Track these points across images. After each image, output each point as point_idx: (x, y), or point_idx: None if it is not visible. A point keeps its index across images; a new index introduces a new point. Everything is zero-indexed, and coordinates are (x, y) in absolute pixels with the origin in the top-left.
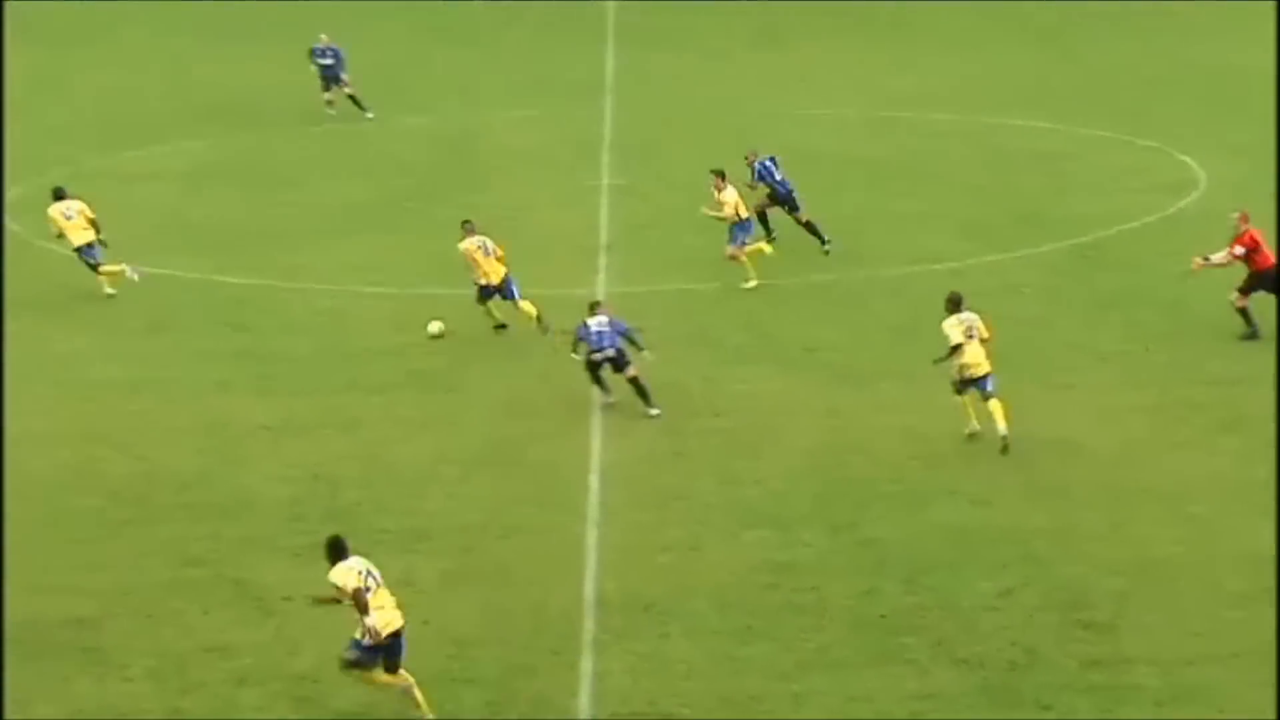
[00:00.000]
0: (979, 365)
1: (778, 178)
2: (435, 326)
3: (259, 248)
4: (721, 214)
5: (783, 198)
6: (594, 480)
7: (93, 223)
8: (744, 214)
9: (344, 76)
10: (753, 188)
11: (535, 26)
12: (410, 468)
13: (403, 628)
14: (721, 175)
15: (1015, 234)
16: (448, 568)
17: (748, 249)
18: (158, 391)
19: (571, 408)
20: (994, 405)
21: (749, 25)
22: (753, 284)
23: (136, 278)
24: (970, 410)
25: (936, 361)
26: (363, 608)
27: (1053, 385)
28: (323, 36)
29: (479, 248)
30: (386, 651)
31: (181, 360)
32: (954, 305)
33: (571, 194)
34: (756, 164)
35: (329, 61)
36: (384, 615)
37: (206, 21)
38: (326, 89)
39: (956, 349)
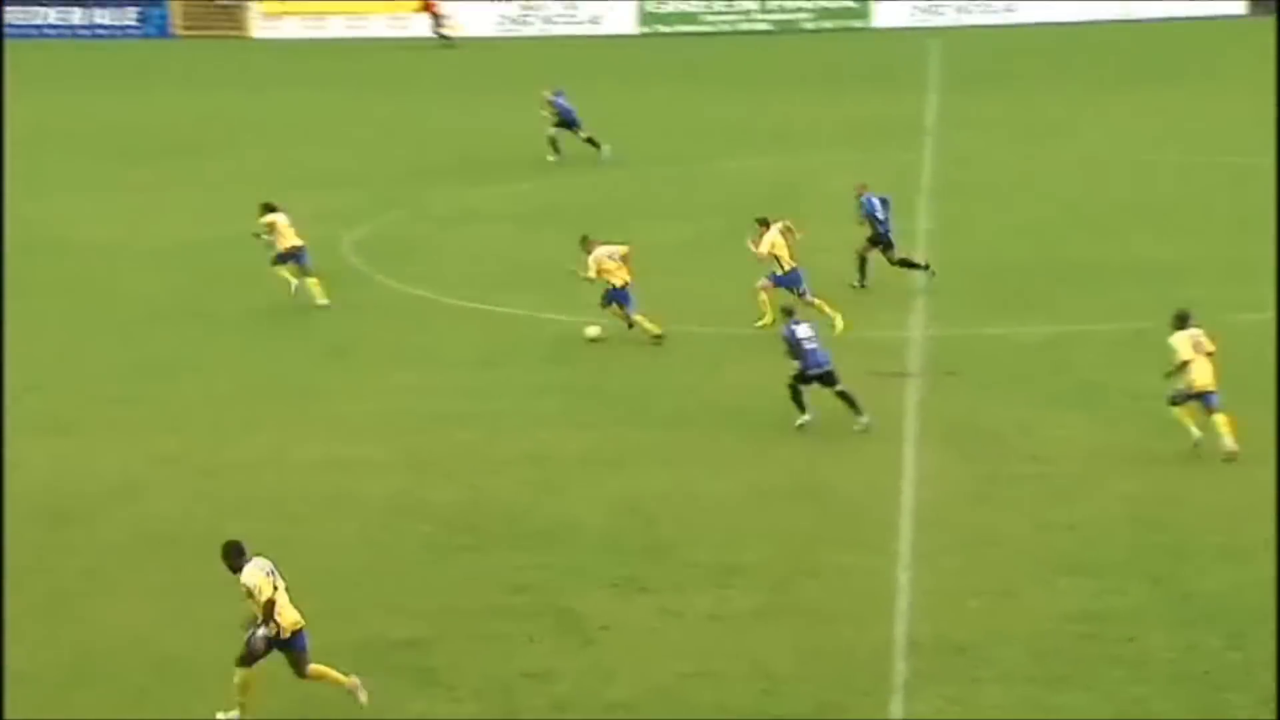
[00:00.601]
0: (1206, 380)
1: (880, 216)
2: (593, 330)
3: (583, 286)
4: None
5: (880, 238)
6: (904, 520)
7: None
8: (787, 264)
9: (579, 121)
10: (860, 222)
11: (855, 72)
12: (722, 502)
13: (303, 627)
14: (765, 223)
15: None
16: (759, 603)
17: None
18: (485, 423)
19: (881, 442)
20: (1219, 420)
21: (1078, 71)
22: (766, 321)
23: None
24: (1189, 420)
25: (1166, 375)
26: (267, 617)
27: None
28: (552, 89)
29: (608, 256)
30: (289, 647)
31: (509, 393)
32: (1181, 322)
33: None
34: (864, 198)
35: (566, 107)
36: (289, 614)
37: (539, 66)
38: (555, 132)
39: (1185, 365)
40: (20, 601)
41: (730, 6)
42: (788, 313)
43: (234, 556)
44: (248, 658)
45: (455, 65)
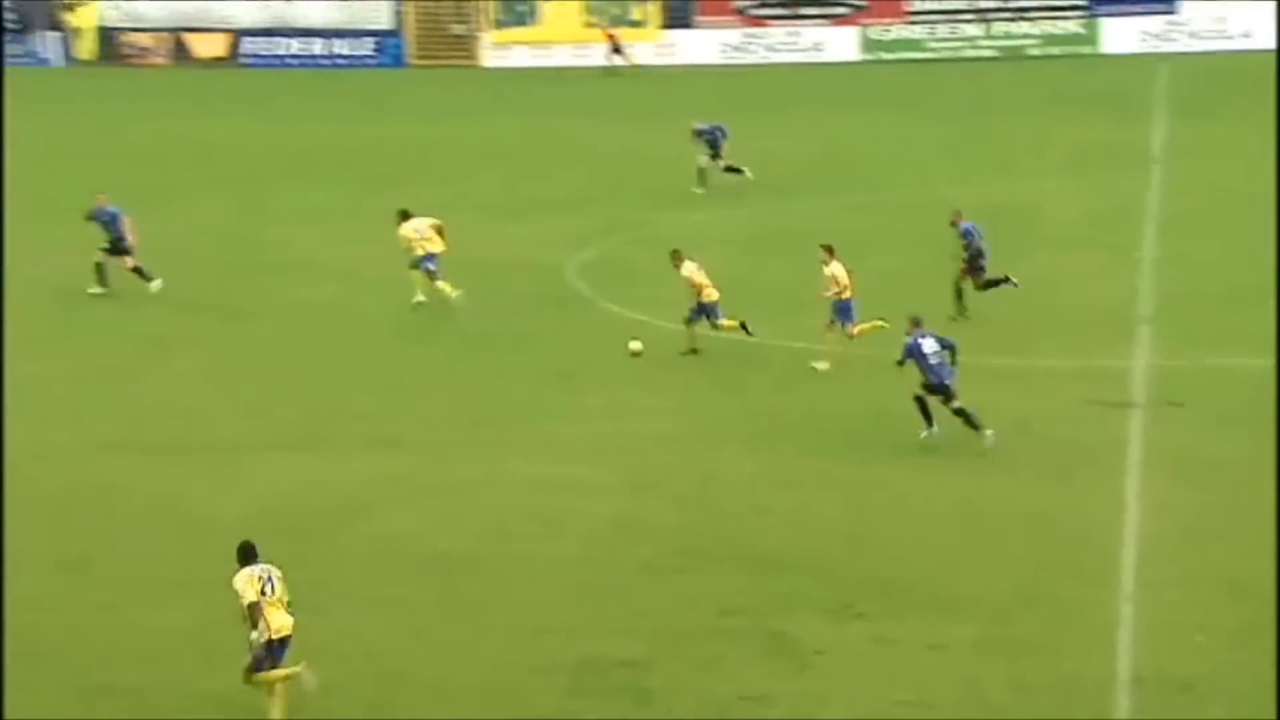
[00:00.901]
0: None
1: (980, 244)
2: (635, 345)
3: (808, 313)
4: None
5: (973, 265)
6: (1126, 552)
7: (439, 232)
8: (848, 294)
9: (723, 151)
10: (963, 251)
11: (1081, 98)
12: (939, 529)
13: (290, 635)
14: (830, 250)
15: None
16: (977, 633)
17: (861, 328)
18: (704, 446)
19: (1102, 472)
20: None
21: None
22: (824, 366)
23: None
24: None
25: None
26: (254, 621)
27: None
28: (704, 121)
29: (699, 270)
30: (273, 654)
31: (729, 417)
32: None
33: (1111, 265)
34: (962, 226)
35: (714, 138)
36: (276, 618)
37: (761, 93)
38: (707, 164)
39: None
40: None
41: (954, 33)
42: (915, 323)
43: (241, 558)
44: (254, 665)
45: (678, 92)
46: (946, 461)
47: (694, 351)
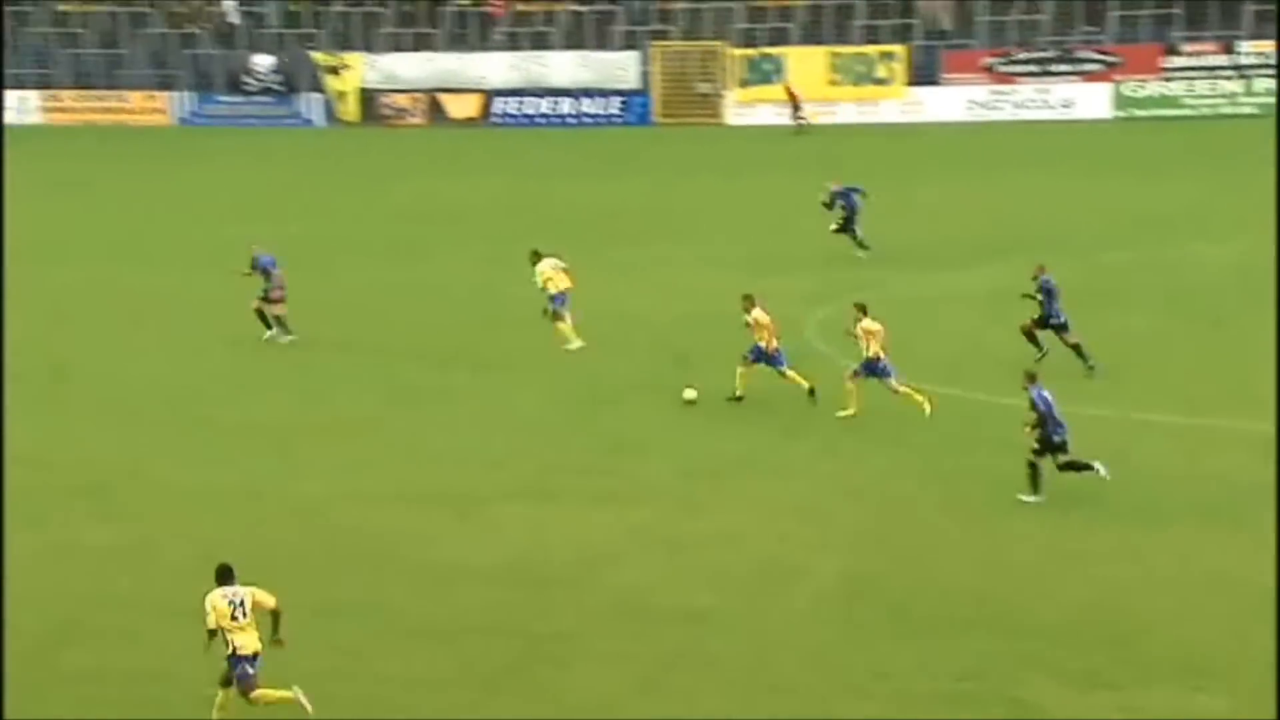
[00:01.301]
0: None
1: (1056, 306)
2: (690, 393)
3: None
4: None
5: (1049, 320)
6: None
7: (566, 273)
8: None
9: (859, 214)
10: (1034, 298)
11: None
12: (1188, 595)
13: (258, 654)
14: (864, 309)
15: None
16: (1229, 707)
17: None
18: (941, 506)
19: None
20: None
21: None
22: (849, 413)
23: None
24: None
25: None
26: (210, 638)
27: None
28: (838, 182)
29: (758, 321)
30: (236, 667)
31: (967, 478)
32: None
33: None
34: (1042, 279)
35: (843, 204)
36: (243, 639)
37: (1007, 150)
38: (844, 228)
39: None
40: (494, 661)
41: (1213, 90)
42: (1031, 377)
43: (218, 579)
44: (242, 685)
45: (922, 149)
46: (1189, 524)
47: (739, 398)
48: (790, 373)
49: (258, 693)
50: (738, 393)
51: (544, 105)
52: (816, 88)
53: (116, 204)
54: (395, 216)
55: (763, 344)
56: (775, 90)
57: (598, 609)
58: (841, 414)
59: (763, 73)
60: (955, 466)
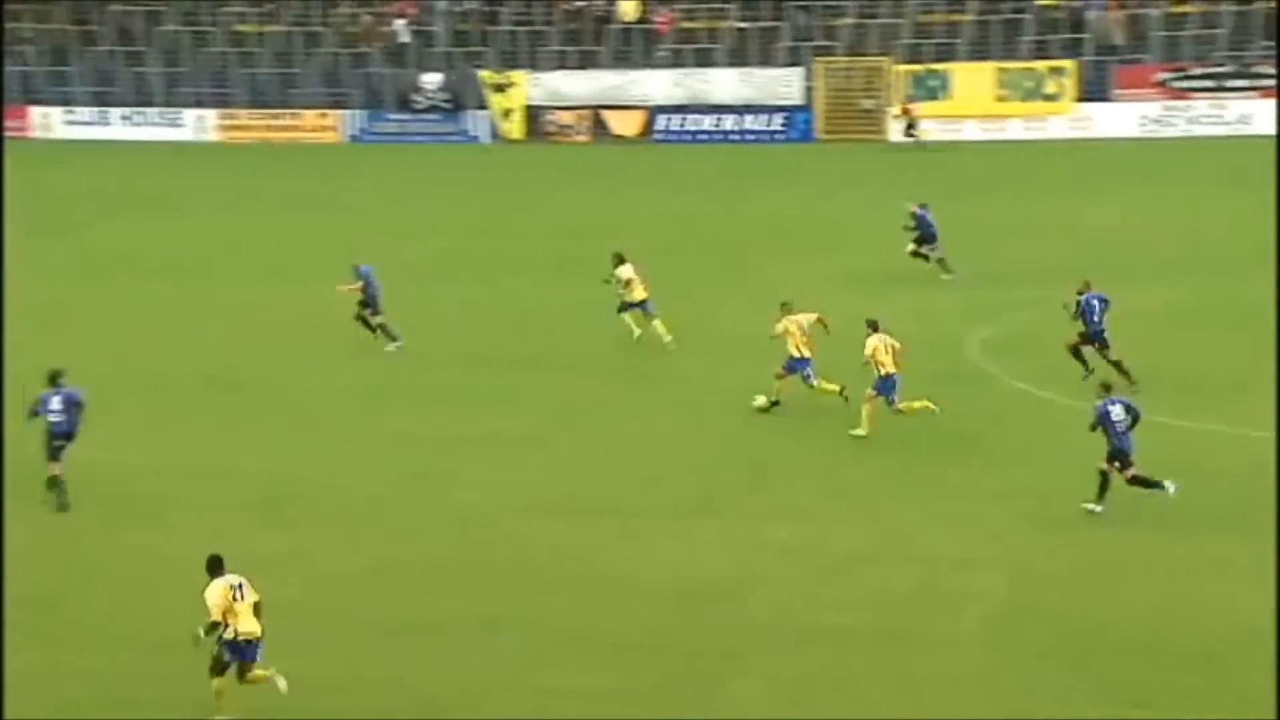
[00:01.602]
0: None
1: (1095, 318)
2: (760, 400)
3: (1227, 394)
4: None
5: (1092, 336)
6: None
7: (643, 280)
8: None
9: (936, 242)
10: (1073, 318)
11: None
12: None
13: (260, 638)
14: (875, 326)
15: None
16: None
17: (913, 405)
18: (1103, 529)
19: None
20: None
21: None
22: (862, 432)
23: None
24: None
25: None
26: (209, 630)
27: None
28: (918, 202)
29: (798, 326)
30: (242, 654)
31: (1129, 501)
32: None
33: None
34: (1085, 297)
35: (929, 222)
36: (245, 623)
37: (1179, 167)
38: (919, 250)
39: None
40: (651, 676)
41: None
42: (1106, 388)
43: (210, 570)
44: (221, 665)
45: (1092, 166)
46: None
47: (776, 404)
48: (817, 381)
49: (255, 673)
50: (773, 399)
51: (706, 122)
52: (983, 104)
53: (289, 219)
54: (560, 233)
55: (795, 354)
56: (940, 106)
57: (754, 627)
58: (855, 433)
59: (928, 89)
60: (1126, 488)
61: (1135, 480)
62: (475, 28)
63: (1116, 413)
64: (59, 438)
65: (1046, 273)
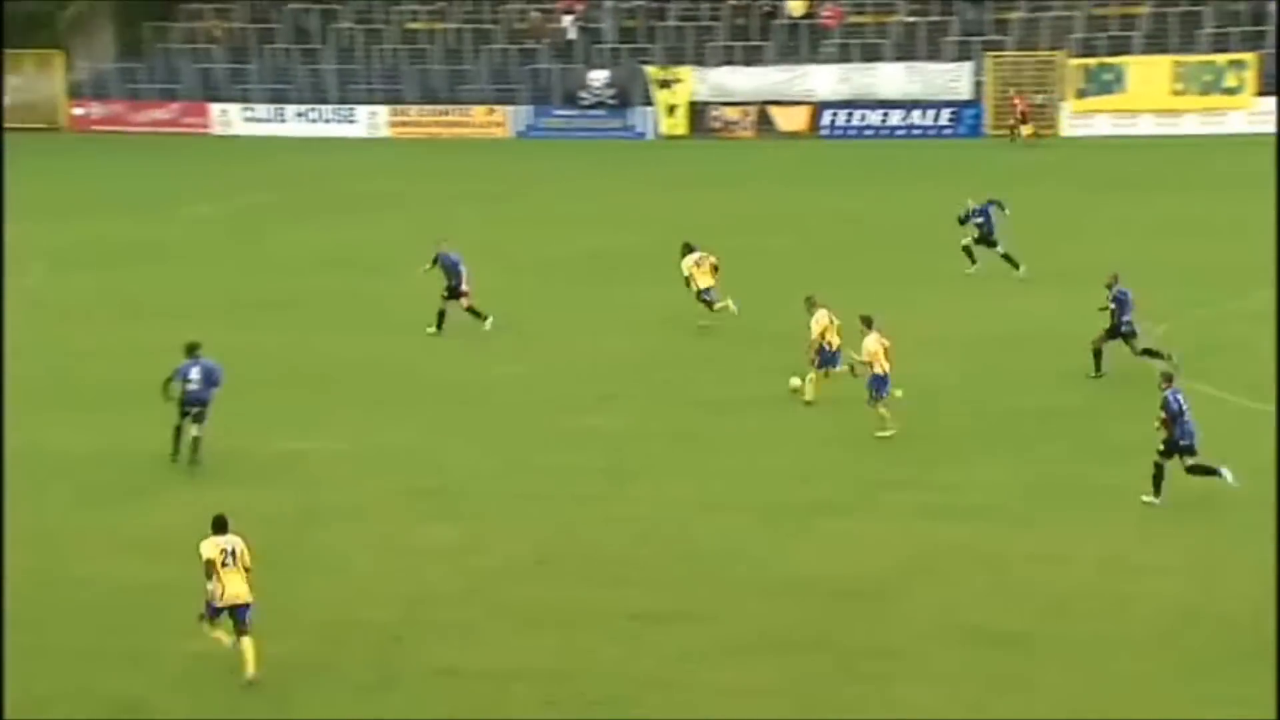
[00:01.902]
0: None
1: (1127, 313)
2: (795, 381)
3: None
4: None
5: (1118, 330)
6: None
7: (714, 269)
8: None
9: (996, 238)
10: (1107, 308)
11: None
12: None
13: (248, 603)
14: (869, 323)
15: None
16: None
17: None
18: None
19: None
20: None
21: None
22: (889, 433)
23: (735, 309)
24: None
25: None
26: (207, 575)
27: None
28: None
29: (831, 322)
30: (233, 617)
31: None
32: None
33: None
34: (1115, 290)
35: (980, 221)
36: (231, 587)
37: None
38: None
39: None
40: (814, 675)
41: None
42: (1168, 378)
43: (214, 527)
44: (203, 617)
45: (1272, 161)
46: None
47: (809, 403)
48: (836, 370)
49: (241, 640)
50: (806, 398)
51: (873, 117)
52: (1159, 98)
53: (488, 213)
54: (726, 227)
55: (827, 346)
56: (1114, 100)
57: (918, 626)
58: (881, 434)
59: (1102, 83)
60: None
61: (1194, 469)
62: (642, 24)
63: (1184, 401)
64: (194, 404)
65: (1222, 271)
